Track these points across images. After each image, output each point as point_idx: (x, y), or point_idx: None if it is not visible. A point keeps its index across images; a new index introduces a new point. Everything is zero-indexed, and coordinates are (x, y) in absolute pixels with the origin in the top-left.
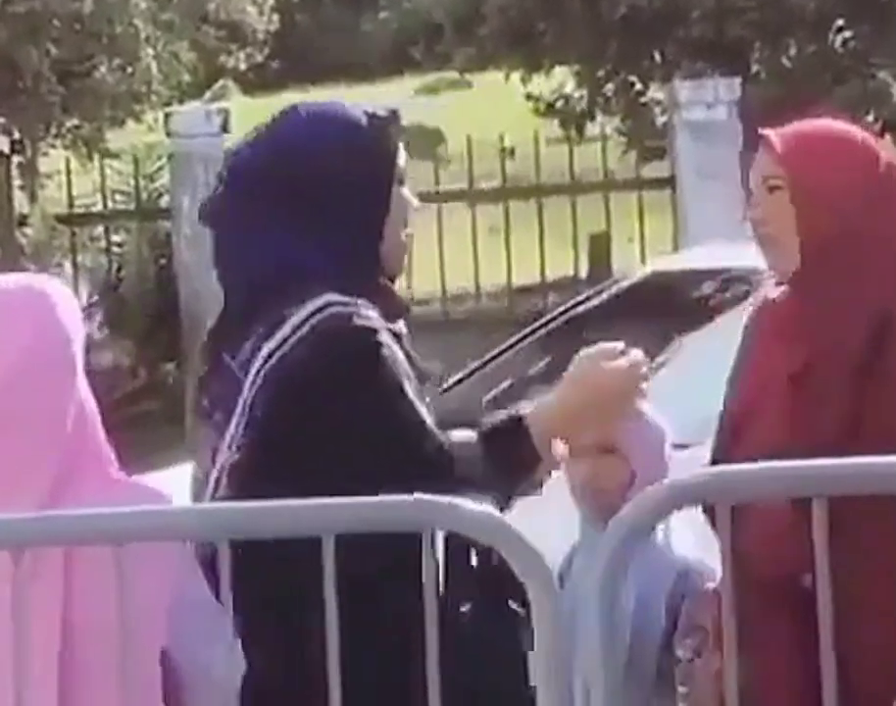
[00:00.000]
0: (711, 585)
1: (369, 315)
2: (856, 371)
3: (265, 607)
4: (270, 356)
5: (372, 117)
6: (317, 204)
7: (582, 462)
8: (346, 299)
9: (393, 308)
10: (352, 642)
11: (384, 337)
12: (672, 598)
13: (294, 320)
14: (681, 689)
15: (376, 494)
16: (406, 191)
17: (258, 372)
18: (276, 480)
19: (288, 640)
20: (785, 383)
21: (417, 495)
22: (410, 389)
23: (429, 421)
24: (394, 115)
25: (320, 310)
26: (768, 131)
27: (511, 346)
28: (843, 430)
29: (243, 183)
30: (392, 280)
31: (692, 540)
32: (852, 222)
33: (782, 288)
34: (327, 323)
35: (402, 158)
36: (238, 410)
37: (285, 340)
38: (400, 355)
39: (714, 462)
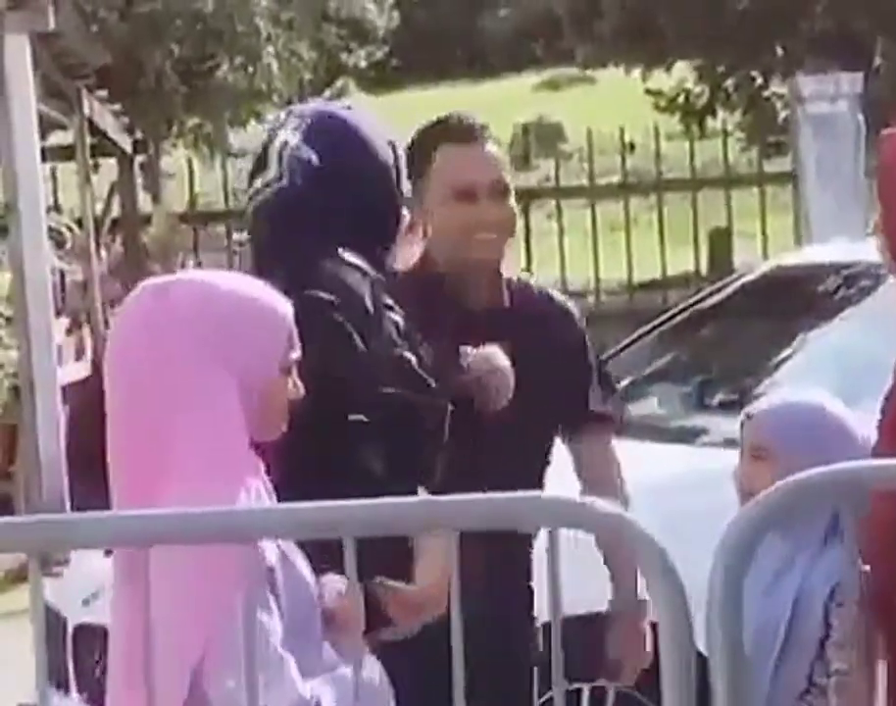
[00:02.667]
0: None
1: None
2: None
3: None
4: None
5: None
6: (362, 213)
7: (741, 463)
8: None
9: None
10: None
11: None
12: (829, 606)
13: None
14: (835, 702)
15: None
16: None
17: None
18: None
19: None
20: None
21: (539, 493)
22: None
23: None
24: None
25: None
26: (887, 131)
27: (632, 343)
28: None
29: (313, 194)
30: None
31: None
32: None
33: None
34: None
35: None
36: None
37: None
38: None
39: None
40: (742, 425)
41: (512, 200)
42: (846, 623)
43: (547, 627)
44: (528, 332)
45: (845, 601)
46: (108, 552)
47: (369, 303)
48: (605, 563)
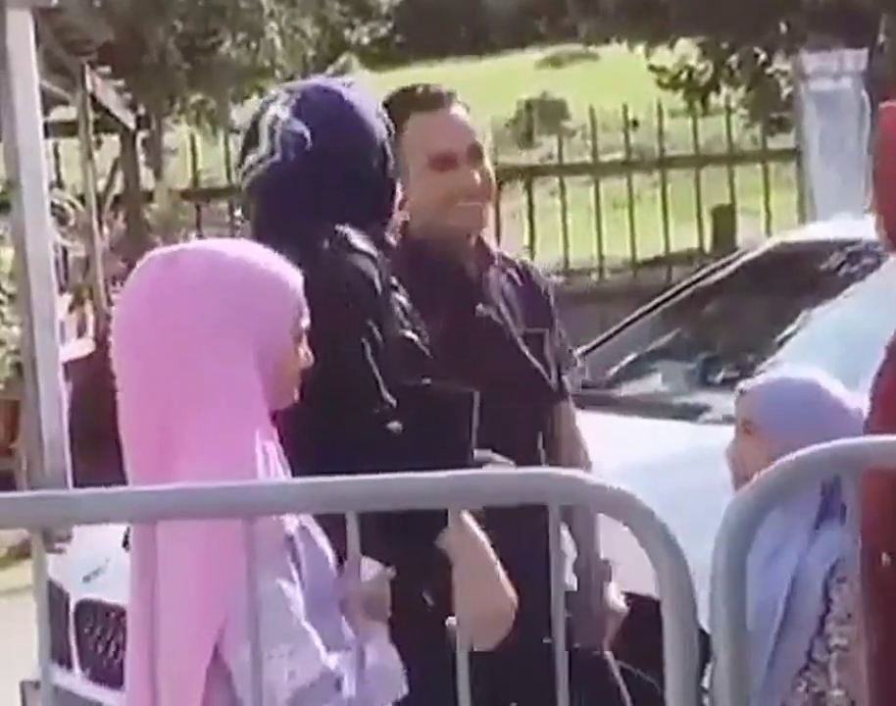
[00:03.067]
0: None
1: None
2: None
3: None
4: None
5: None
6: (359, 196)
7: (733, 439)
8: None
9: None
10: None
11: None
12: (829, 582)
13: None
14: (836, 676)
15: None
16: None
17: None
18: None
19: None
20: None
21: (545, 468)
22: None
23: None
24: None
25: None
26: (885, 105)
27: (635, 320)
28: None
29: (307, 171)
30: None
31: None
32: None
33: None
34: None
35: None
36: None
37: None
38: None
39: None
40: (736, 400)
41: (488, 163)
42: (847, 599)
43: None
44: (512, 302)
45: (847, 577)
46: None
47: (378, 285)
48: (568, 530)
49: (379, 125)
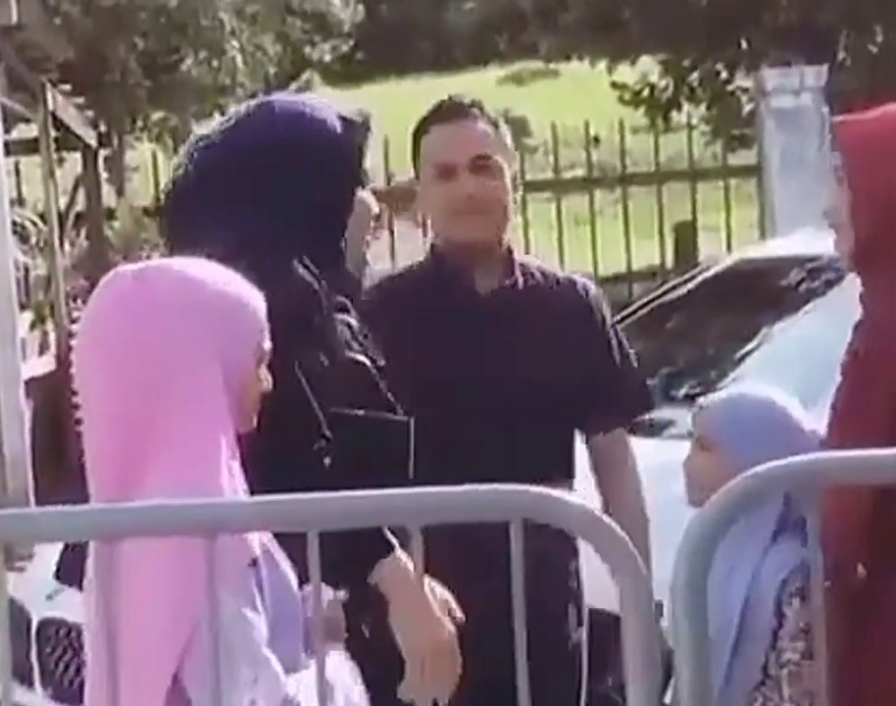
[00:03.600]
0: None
1: None
2: None
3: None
4: None
5: (342, 119)
6: (282, 193)
7: (689, 455)
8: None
9: (348, 291)
10: None
11: None
12: (781, 597)
13: None
14: (787, 691)
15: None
16: (368, 196)
17: None
18: None
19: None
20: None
21: (508, 486)
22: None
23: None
24: (365, 121)
25: None
26: (838, 118)
27: None
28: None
29: (212, 171)
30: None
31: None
32: None
33: None
34: None
35: (367, 164)
36: None
37: None
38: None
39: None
40: (694, 416)
41: (500, 179)
42: (799, 613)
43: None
44: (543, 317)
45: (800, 591)
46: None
47: (310, 306)
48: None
49: (326, 134)
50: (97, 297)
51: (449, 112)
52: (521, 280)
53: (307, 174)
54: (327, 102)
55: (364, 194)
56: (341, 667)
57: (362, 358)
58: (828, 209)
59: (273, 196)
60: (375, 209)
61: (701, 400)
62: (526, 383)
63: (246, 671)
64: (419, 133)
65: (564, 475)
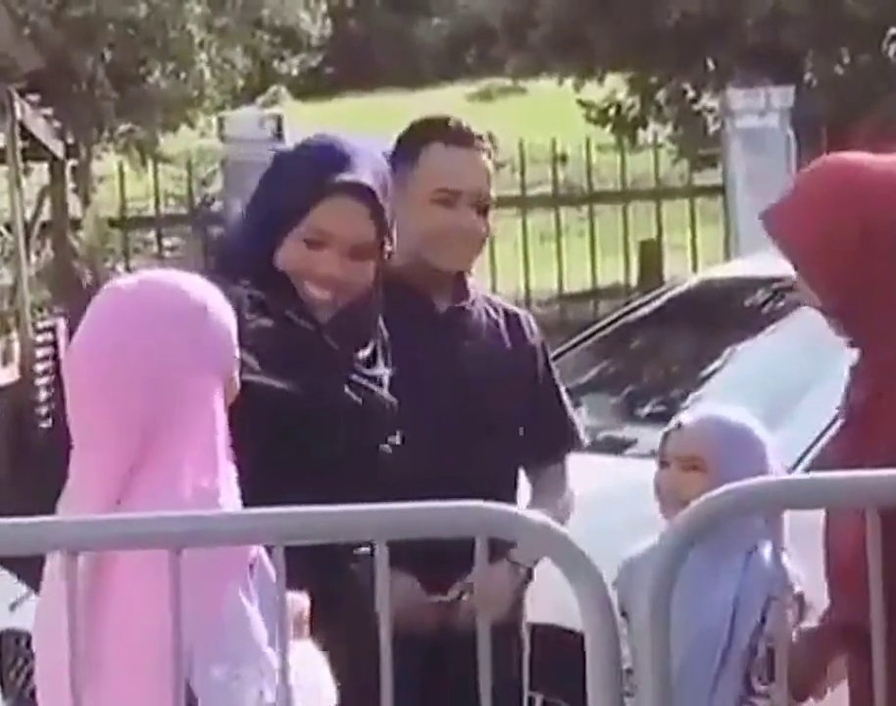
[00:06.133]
0: (799, 591)
1: None
2: None
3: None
4: None
5: (302, 147)
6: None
7: (669, 473)
8: None
9: (294, 305)
10: None
11: None
12: (765, 603)
13: None
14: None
15: None
16: (323, 255)
17: None
18: None
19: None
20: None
21: (474, 502)
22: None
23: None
24: (342, 184)
25: None
26: (765, 211)
27: (562, 353)
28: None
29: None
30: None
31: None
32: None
33: None
34: None
35: (329, 224)
36: None
37: None
38: None
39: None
40: (666, 435)
41: (490, 219)
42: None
43: (534, 627)
44: (490, 344)
45: (774, 611)
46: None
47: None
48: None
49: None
50: (94, 312)
51: (459, 135)
52: (472, 304)
53: (263, 193)
54: (328, 148)
55: (312, 250)
56: (311, 659)
57: (260, 379)
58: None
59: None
60: (329, 264)
61: (678, 420)
62: (474, 407)
63: (251, 664)
64: (417, 141)
65: (510, 501)
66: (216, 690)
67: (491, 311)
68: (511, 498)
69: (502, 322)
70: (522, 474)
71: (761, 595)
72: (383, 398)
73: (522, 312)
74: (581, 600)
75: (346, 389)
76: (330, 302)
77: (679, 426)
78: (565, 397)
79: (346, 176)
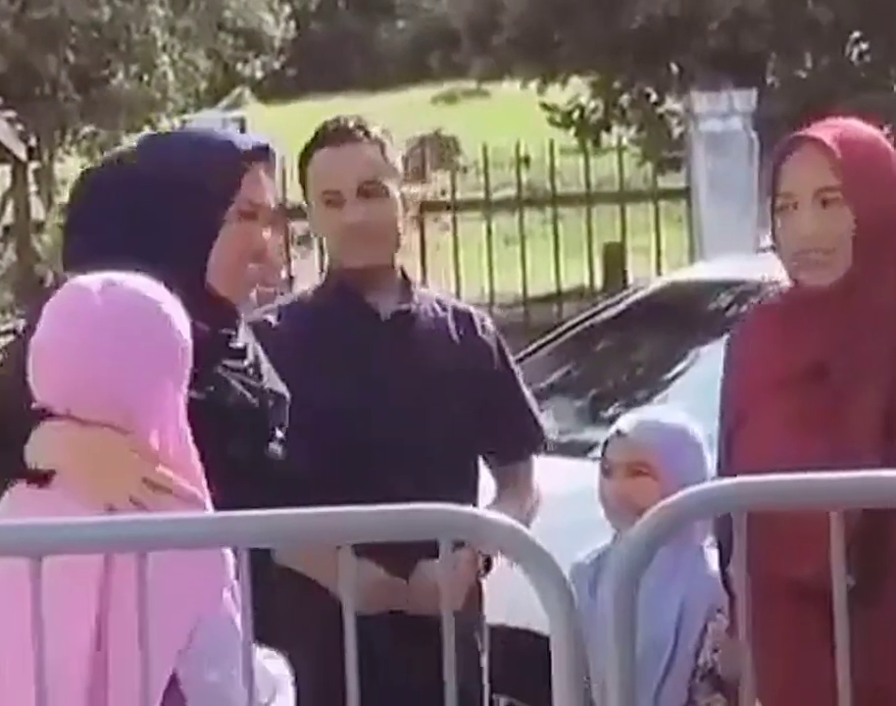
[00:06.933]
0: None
1: None
2: None
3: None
4: None
5: (213, 149)
6: (150, 227)
7: (615, 480)
8: None
9: (223, 321)
10: None
11: None
12: (708, 612)
13: None
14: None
15: None
16: (252, 227)
17: None
18: None
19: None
20: (801, 373)
21: (438, 505)
22: None
23: None
24: (245, 151)
25: None
26: (816, 134)
27: (526, 356)
28: (879, 423)
29: (96, 201)
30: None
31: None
32: None
33: (784, 300)
34: None
35: (253, 195)
36: None
37: None
38: None
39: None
40: (607, 443)
41: (388, 203)
42: (718, 632)
43: (494, 629)
44: (439, 345)
45: (722, 609)
46: None
47: None
48: None
49: (187, 175)
50: (55, 308)
51: (334, 136)
52: (419, 305)
53: (163, 203)
54: (214, 131)
55: (249, 225)
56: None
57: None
58: (809, 233)
59: (139, 230)
60: (267, 240)
61: (616, 427)
62: (430, 407)
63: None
64: (304, 158)
65: (469, 501)
66: (211, 693)
67: (440, 311)
68: (470, 498)
69: (451, 320)
70: (485, 473)
71: (704, 603)
72: (272, 392)
73: (473, 309)
74: (547, 604)
75: (241, 388)
76: (259, 280)
77: (620, 433)
78: (528, 396)
79: (253, 145)
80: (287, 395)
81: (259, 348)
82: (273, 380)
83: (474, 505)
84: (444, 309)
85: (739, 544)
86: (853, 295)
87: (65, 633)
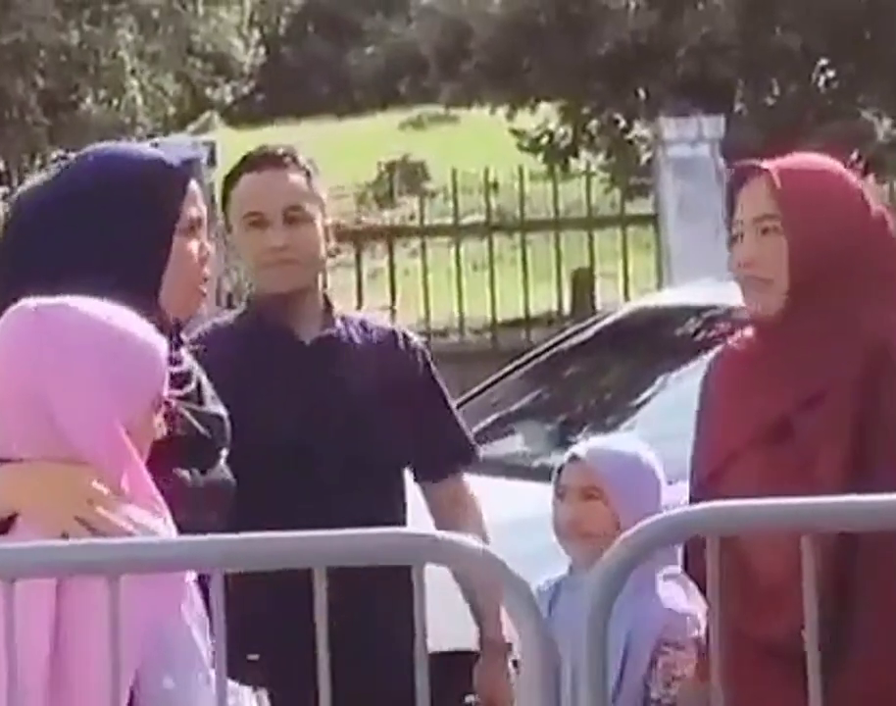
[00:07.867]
0: (696, 635)
1: None
2: (856, 410)
3: None
4: None
5: (160, 163)
6: (90, 242)
7: (567, 504)
8: None
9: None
10: None
11: None
12: (656, 645)
13: None
14: None
15: None
16: (196, 243)
17: None
18: None
19: None
20: (768, 432)
21: (409, 529)
22: None
23: None
24: (183, 166)
25: None
26: (763, 164)
27: (495, 381)
28: (845, 475)
29: (30, 222)
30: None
31: (682, 593)
32: (844, 260)
33: (750, 336)
34: None
35: (193, 209)
36: None
37: None
38: None
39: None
40: (561, 468)
41: (311, 229)
42: (670, 665)
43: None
44: (365, 367)
45: (681, 643)
46: None
47: None
48: (466, 599)
49: (131, 190)
50: (3, 331)
51: (262, 161)
52: (342, 330)
53: (111, 220)
54: (151, 150)
55: (190, 242)
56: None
57: None
58: (744, 261)
59: (82, 245)
60: (210, 252)
61: (571, 452)
62: (355, 431)
63: (200, 673)
64: (229, 184)
65: (398, 521)
66: (168, 700)
67: (363, 332)
68: (399, 518)
69: (375, 341)
70: (417, 491)
71: (652, 634)
72: (215, 415)
73: (397, 328)
74: (520, 629)
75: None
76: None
77: (574, 457)
78: (455, 411)
79: (185, 160)
80: (226, 417)
81: (200, 370)
82: (214, 402)
83: (404, 521)
84: (368, 331)
85: (712, 572)
86: (789, 325)
87: (22, 644)
